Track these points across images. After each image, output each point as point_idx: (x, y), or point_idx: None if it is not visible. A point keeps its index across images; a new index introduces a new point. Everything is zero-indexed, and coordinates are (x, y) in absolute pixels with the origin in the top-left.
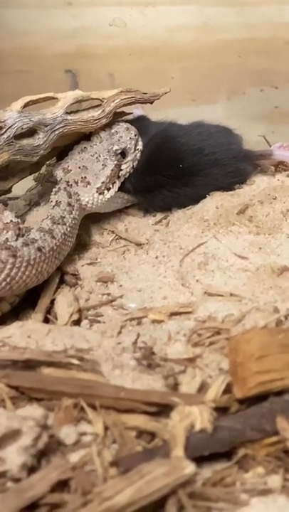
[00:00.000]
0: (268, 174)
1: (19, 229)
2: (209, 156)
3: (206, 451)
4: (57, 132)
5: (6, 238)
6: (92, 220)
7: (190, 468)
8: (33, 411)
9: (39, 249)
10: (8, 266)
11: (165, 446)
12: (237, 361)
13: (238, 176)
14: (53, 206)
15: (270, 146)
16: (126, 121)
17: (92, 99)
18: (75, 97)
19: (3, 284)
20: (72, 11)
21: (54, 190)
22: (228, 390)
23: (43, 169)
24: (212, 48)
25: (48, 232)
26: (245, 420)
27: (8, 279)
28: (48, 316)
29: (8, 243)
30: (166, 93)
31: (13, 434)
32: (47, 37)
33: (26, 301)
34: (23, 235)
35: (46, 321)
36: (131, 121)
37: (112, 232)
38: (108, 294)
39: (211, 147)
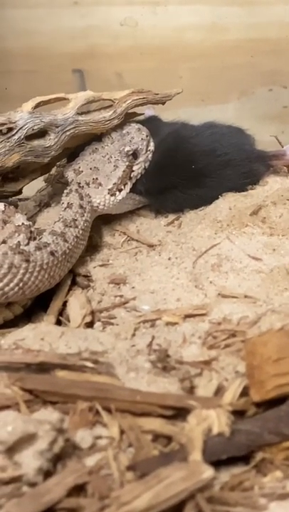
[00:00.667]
0: (281, 175)
1: (31, 232)
2: (222, 156)
3: (224, 455)
4: (68, 133)
5: (18, 241)
6: (103, 221)
7: (208, 472)
8: (49, 415)
9: (52, 253)
10: (21, 271)
11: (182, 450)
12: (254, 364)
13: (250, 176)
14: (65, 208)
15: (282, 147)
16: (137, 122)
17: (104, 99)
18: (86, 97)
19: (16, 288)
20: (80, 11)
21: (65, 191)
22: (245, 393)
23: (54, 170)
24: (221, 47)
25: (60, 236)
26: (263, 424)
27: (20, 284)
28: (61, 318)
29: (21, 247)
30: (178, 93)
31: (29, 438)
32: (54, 37)
33: (38, 304)
34: (34, 238)
35: (59, 323)
36: (142, 122)
37: (124, 233)
38: (121, 296)
39: (223, 148)
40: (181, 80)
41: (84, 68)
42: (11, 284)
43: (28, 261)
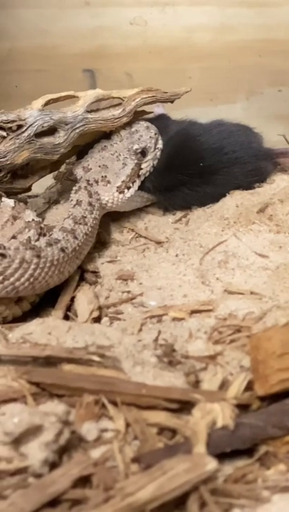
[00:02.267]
0: (288, 173)
1: (41, 228)
2: (229, 154)
3: (228, 448)
4: (77, 131)
5: (29, 237)
6: (111, 218)
7: (212, 464)
8: (55, 407)
9: (62, 249)
10: (32, 266)
11: (187, 443)
12: (258, 359)
13: (258, 174)
14: (74, 205)
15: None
16: (146, 120)
17: (113, 98)
18: (96, 95)
19: (26, 284)
20: (91, 11)
21: (74, 188)
22: (249, 387)
23: (63, 167)
24: (230, 48)
25: (70, 233)
26: (267, 417)
27: (31, 279)
28: (68, 313)
29: (33, 243)
30: (186, 92)
31: (35, 430)
32: (65, 36)
33: (46, 299)
34: (44, 235)
35: (66, 318)
36: (151, 120)
37: (132, 230)
38: (128, 292)
39: (231, 146)
40: (190, 80)
41: (94, 68)
42: (22, 279)
43: (39, 256)
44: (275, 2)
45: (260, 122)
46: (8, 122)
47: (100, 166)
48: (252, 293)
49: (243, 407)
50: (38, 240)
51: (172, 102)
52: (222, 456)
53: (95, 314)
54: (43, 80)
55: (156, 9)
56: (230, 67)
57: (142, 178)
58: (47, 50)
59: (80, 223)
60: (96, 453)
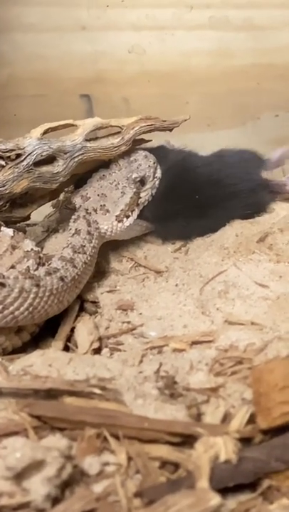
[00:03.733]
0: (288, 202)
1: (40, 257)
2: (227, 187)
3: (231, 482)
4: (76, 159)
5: (28, 267)
6: (110, 247)
7: (215, 499)
8: (57, 441)
9: (61, 278)
10: (32, 295)
11: (189, 477)
12: (261, 391)
13: (256, 207)
14: (73, 234)
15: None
16: (144, 149)
17: (112, 126)
18: (95, 124)
19: (26, 313)
20: (88, 36)
21: (73, 217)
22: (251, 420)
23: (61, 196)
24: (227, 73)
25: (69, 262)
26: (270, 451)
27: (30, 308)
28: (68, 344)
29: (32, 272)
30: (185, 120)
31: (38, 465)
32: (62, 61)
33: (46, 329)
34: (43, 264)
35: (66, 349)
36: (149, 149)
37: (131, 259)
38: (128, 322)
39: (228, 178)
40: (187, 106)
41: (91, 93)
42: (21, 308)
43: (38, 285)
44: (273, 26)
45: (257, 147)
46: (6, 151)
47: (98, 195)
48: (253, 323)
49: (245, 441)
50: (37, 269)
51: (171, 130)
52: (225, 491)
53: (96, 345)
54: (39, 106)
55: (154, 34)
56: (228, 92)
57: (141, 207)
58: (44, 75)
59: (78, 252)
60: (98, 487)
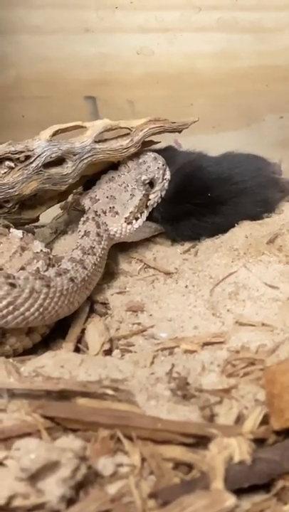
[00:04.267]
0: None
1: (49, 259)
2: (238, 184)
3: (246, 483)
4: (85, 161)
5: (37, 268)
6: (119, 248)
7: (231, 500)
8: (71, 442)
9: (72, 279)
10: (42, 296)
11: (204, 478)
12: (274, 392)
13: (266, 204)
14: (82, 236)
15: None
16: (154, 151)
17: (121, 128)
18: (104, 125)
19: (36, 314)
20: (91, 37)
21: (82, 219)
22: (265, 421)
23: (70, 197)
24: (232, 74)
25: (79, 263)
26: (283, 452)
27: (41, 309)
28: (79, 345)
29: (42, 273)
30: (194, 122)
31: (52, 466)
32: (67, 63)
33: (56, 331)
34: (53, 265)
35: (77, 350)
36: (158, 151)
37: (141, 261)
38: (138, 324)
39: (239, 176)
40: (192, 107)
41: (96, 95)
42: (32, 309)
43: (48, 286)
44: (278, 28)
45: (261, 149)
46: (16, 153)
47: (107, 197)
48: (263, 324)
49: (259, 442)
50: (46, 270)
51: (180, 132)
52: (239, 492)
53: (106, 346)
54: (46, 107)
55: (158, 36)
56: (233, 94)
57: (150, 208)
58: (48, 77)
59: (88, 254)
60: (112, 488)
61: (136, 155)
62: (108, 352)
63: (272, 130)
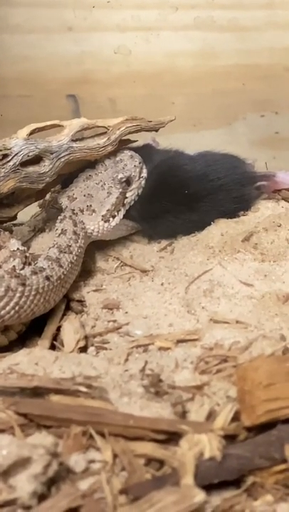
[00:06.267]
0: (273, 201)
1: (26, 257)
2: (214, 181)
3: (216, 479)
4: (63, 160)
5: (13, 266)
6: (96, 246)
7: (200, 496)
8: (43, 439)
9: (47, 278)
10: (18, 294)
11: (174, 474)
12: (245, 389)
13: (242, 201)
14: (59, 234)
15: None
16: (130, 149)
17: (98, 126)
18: (81, 124)
19: (12, 312)
20: (74, 37)
21: (59, 218)
22: (236, 417)
23: (48, 196)
24: (213, 73)
25: (55, 261)
26: (254, 448)
27: (16, 308)
28: (55, 342)
29: (18, 271)
30: (171, 121)
31: (24, 462)
32: (48, 62)
33: (32, 328)
34: (29, 263)
35: (53, 348)
36: (135, 149)
37: (117, 258)
38: (114, 321)
39: (215, 172)
40: (173, 106)
41: (78, 94)
42: (7, 308)
43: (24, 284)
44: (257, 27)
45: (242, 148)
46: None
47: (84, 195)
48: (237, 322)
49: (229, 438)
50: (22, 268)
51: (157, 130)
52: (209, 488)
53: (82, 344)
54: (27, 106)
55: (139, 35)
56: (213, 92)
57: (127, 206)
58: (29, 76)
59: (65, 252)
60: (84, 484)
61: (113, 153)
62: (83, 349)
63: (254, 128)
